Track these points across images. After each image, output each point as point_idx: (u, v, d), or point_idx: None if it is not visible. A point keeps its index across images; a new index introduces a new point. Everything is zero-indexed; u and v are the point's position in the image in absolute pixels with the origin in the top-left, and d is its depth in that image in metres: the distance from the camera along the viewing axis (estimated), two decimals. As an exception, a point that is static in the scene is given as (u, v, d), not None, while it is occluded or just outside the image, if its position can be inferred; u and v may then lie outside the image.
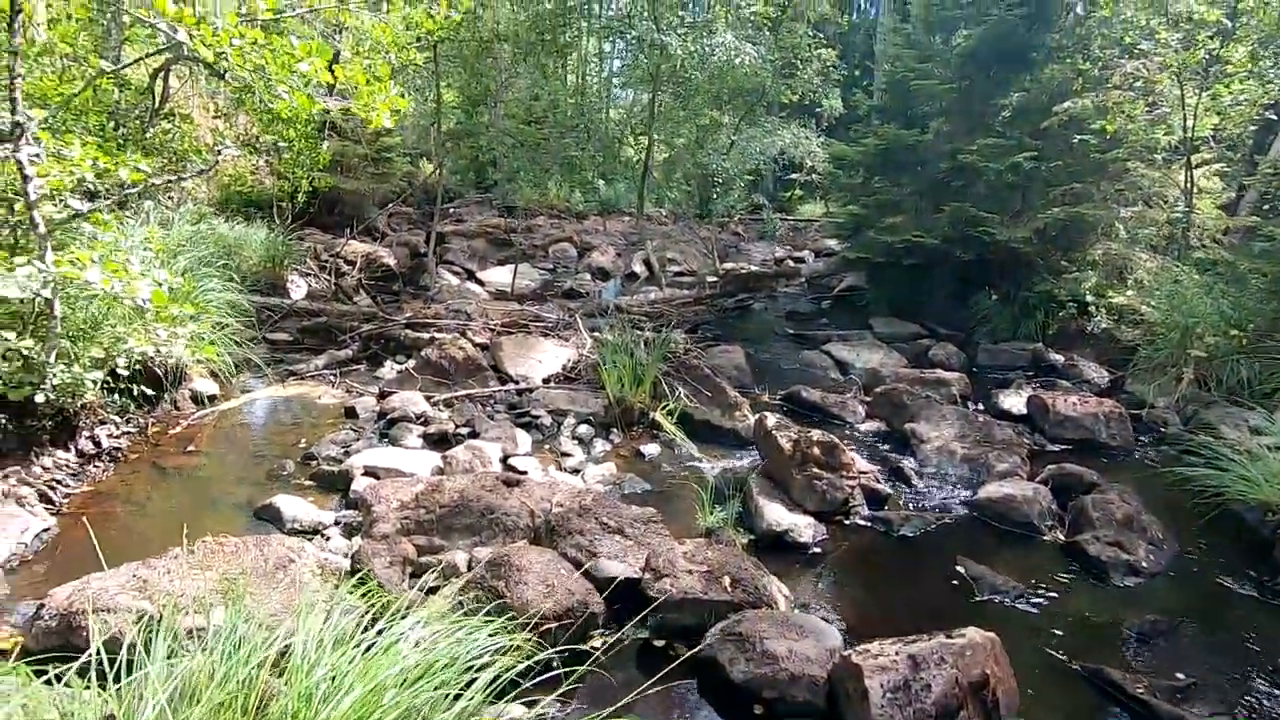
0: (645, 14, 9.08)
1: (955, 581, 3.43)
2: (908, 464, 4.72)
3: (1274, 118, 8.41)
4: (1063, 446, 5.18)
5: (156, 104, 7.34)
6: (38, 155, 3.53)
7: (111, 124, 6.07)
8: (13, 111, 3.40)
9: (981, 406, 5.90)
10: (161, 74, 7.45)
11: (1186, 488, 4.26)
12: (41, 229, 3.51)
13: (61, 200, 3.78)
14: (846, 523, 3.96)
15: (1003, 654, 2.56)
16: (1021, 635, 3.02)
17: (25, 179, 3.44)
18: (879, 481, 4.36)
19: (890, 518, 3.96)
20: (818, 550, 3.69)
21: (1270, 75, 7.01)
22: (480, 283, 10.09)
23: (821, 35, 10.21)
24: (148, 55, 4.51)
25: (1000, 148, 7.69)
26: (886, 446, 5.17)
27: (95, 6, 4.79)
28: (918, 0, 9.55)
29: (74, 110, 4.55)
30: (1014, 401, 5.83)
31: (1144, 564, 3.55)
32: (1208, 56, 7.07)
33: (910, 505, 4.25)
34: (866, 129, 9.90)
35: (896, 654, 2.39)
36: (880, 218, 8.85)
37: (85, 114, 5.05)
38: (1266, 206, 8.32)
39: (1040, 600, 3.32)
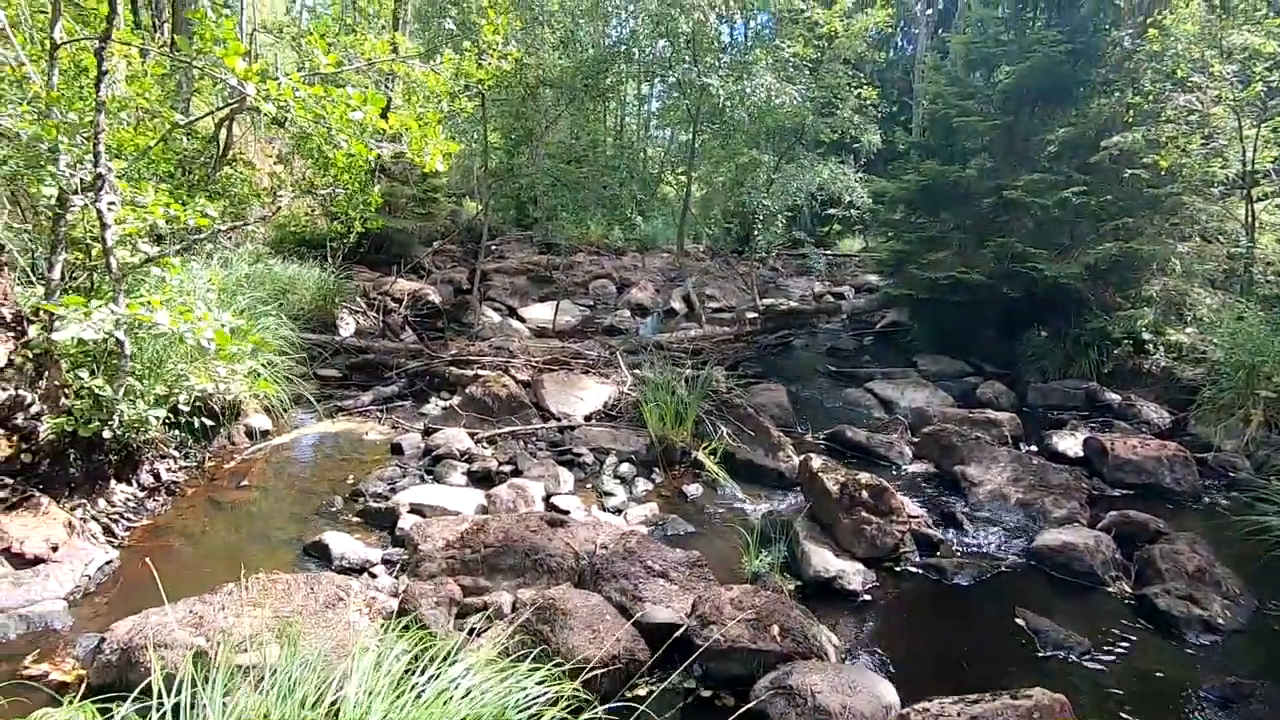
0: (686, 57, 9.26)
1: (1015, 634, 3.29)
2: (959, 508, 4.58)
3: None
4: (1123, 491, 4.97)
5: (221, 151, 7.75)
6: (114, 203, 3.74)
7: (180, 170, 6.42)
8: (95, 163, 3.61)
9: (1034, 448, 5.72)
10: (226, 123, 7.88)
11: (1262, 538, 4.03)
12: (116, 273, 3.70)
13: (134, 245, 3.98)
14: (897, 569, 3.84)
15: (1072, 718, 2.42)
16: (1090, 696, 2.86)
17: (104, 226, 3.64)
18: (930, 526, 4.23)
19: (943, 565, 3.82)
20: (868, 598, 3.58)
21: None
22: (522, 319, 10.25)
23: (860, 73, 10.27)
24: (218, 110, 4.76)
25: (1047, 183, 7.58)
26: (936, 489, 5.02)
27: (170, 64, 5.11)
28: (956, 38, 9.57)
29: (148, 159, 4.83)
30: (1069, 443, 5.63)
31: (1220, 620, 3.35)
32: (1265, 89, 6.89)
33: (964, 552, 4.10)
34: (906, 165, 9.86)
35: (959, 714, 2.29)
36: (923, 253, 8.77)
37: (157, 162, 5.35)
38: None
39: (1108, 658, 3.15)
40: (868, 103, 9.78)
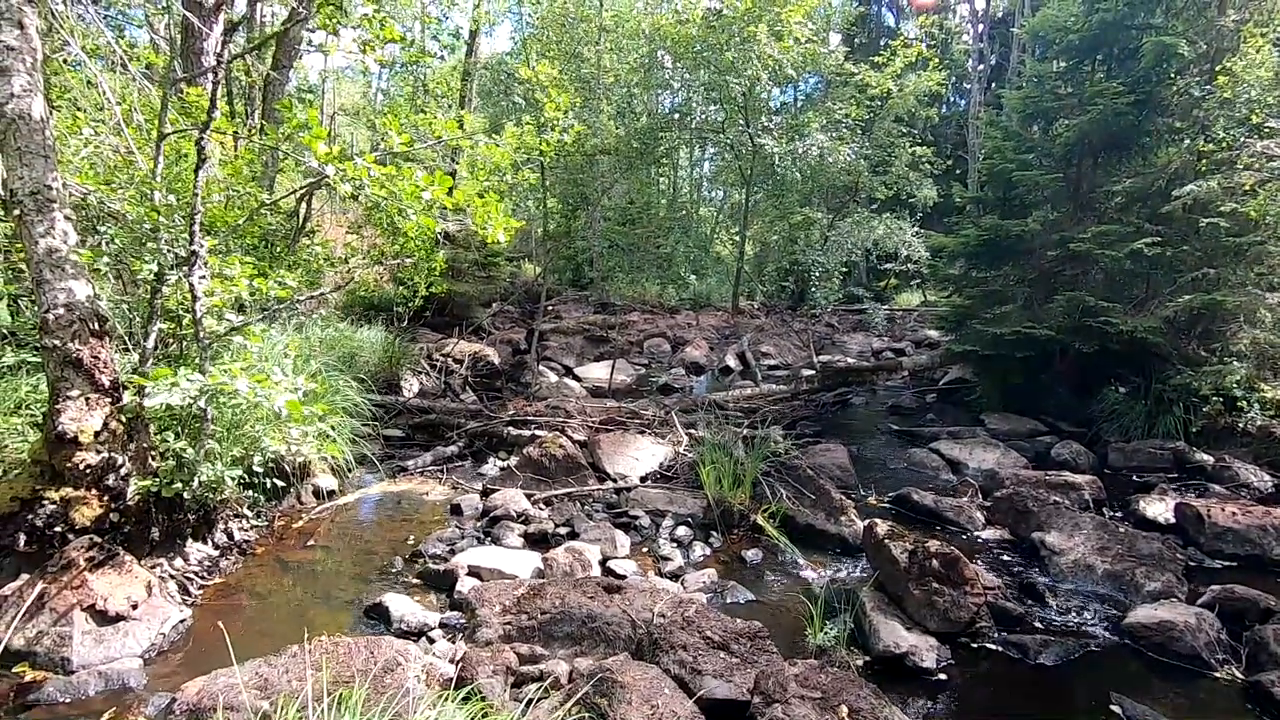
0: (740, 120, 9.52)
1: (1110, 723, 3.01)
2: (1040, 579, 4.29)
3: None
4: (1224, 563, 4.58)
5: (300, 224, 8.28)
6: (205, 277, 4.03)
7: (263, 244, 6.88)
8: (191, 241, 3.92)
9: (1120, 514, 5.35)
10: (305, 198, 8.44)
11: (1393, 619, 3.62)
12: (204, 341, 3.96)
13: (221, 315, 4.26)
14: (974, 645, 3.60)
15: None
16: (1202, 798, 2.58)
17: (194, 298, 3.92)
18: (1008, 599, 3.98)
19: (1025, 642, 3.57)
20: (943, 677, 3.35)
21: None
22: (578, 379, 10.38)
23: (912, 129, 10.33)
24: (301, 189, 5.12)
25: (1116, 234, 7.32)
26: (1012, 557, 4.74)
27: (259, 149, 5.57)
28: (1011, 94, 9.52)
29: (236, 235, 5.21)
30: (1159, 509, 5.25)
31: (1351, 714, 3.00)
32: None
33: (1047, 627, 3.82)
34: (965, 219, 9.73)
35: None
36: (986, 308, 8.53)
37: (244, 237, 5.76)
38: None
39: (1220, 753, 2.84)
40: (922, 159, 9.80)
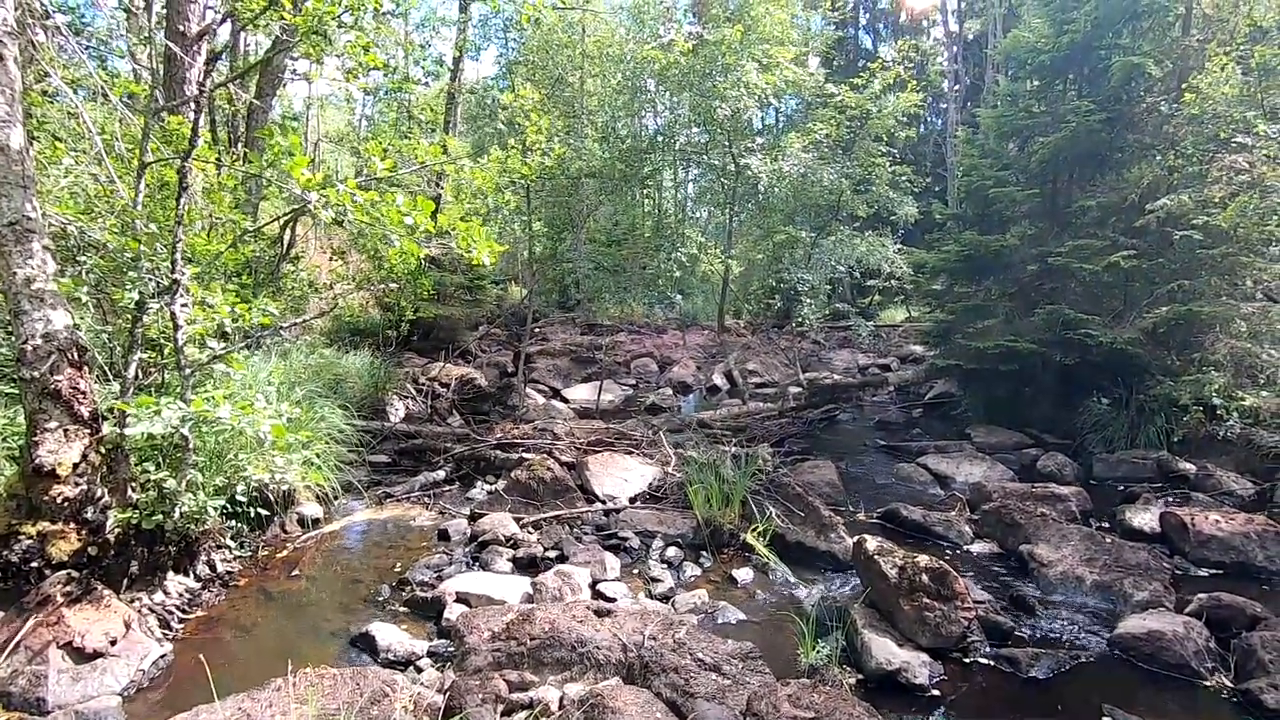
0: (723, 142, 9.65)
1: (1104, 736, 3.00)
2: (1029, 591, 4.30)
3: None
4: (1210, 571, 4.61)
5: (284, 251, 8.26)
6: (186, 305, 4.01)
7: (246, 271, 6.85)
8: (172, 269, 3.89)
9: (1106, 524, 5.39)
10: (289, 225, 8.44)
11: (1377, 623, 3.65)
12: (186, 370, 3.92)
13: (203, 343, 4.23)
14: (966, 660, 3.59)
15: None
16: (1197, 809, 2.57)
17: (176, 327, 3.89)
18: (999, 612, 3.98)
19: (1017, 656, 3.56)
20: (936, 693, 3.33)
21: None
22: (565, 400, 10.36)
23: (892, 149, 10.51)
24: (283, 216, 5.12)
25: (1093, 248, 7.47)
26: (1001, 570, 4.75)
27: (242, 176, 5.56)
28: (986, 113, 9.73)
29: (220, 264, 5.18)
30: (1145, 518, 5.29)
31: (1340, 720, 3.01)
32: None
33: (1038, 640, 3.82)
34: (946, 236, 9.88)
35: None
36: (969, 323, 8.63)
37: (226, 264, 5.73)
38: None
39: (1213, 763, 2.84)
40: (902, 177, 9.96)
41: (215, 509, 4.14)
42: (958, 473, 6.73)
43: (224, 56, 9.37)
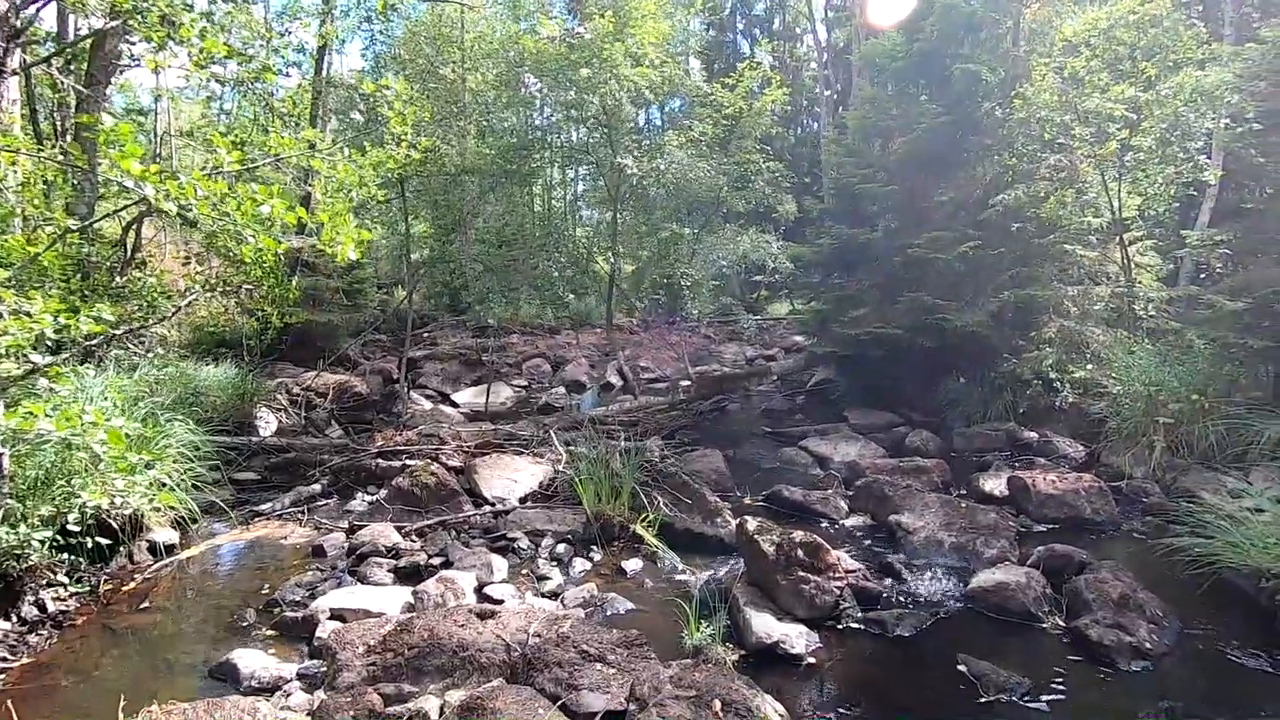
0: (603, 141, 9.68)
1: (959, 681, 3.26)
2: (896, 558, 4.60)
3: (1195, 194, 9.04)
4: (1048, 526, 5.13)
5: (128, 254, 7.50)
6: (-2, 314, 3.54)
7: (79, 276, 6.16)
8: (-27, 274, 3.43)
9: (964, 491, 5.86)
10: (135, 225, 7.67)
11: (1177, 558, 4.19)
12: (-4, 387, 3.46)
13: (21, 356, 3.74)
14: (840, 627, 3.79)
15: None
16: (1034, 738, 2.84)
17: (-19, 338, 3.42)
18: (868, 579, 4.22)
19: (884, 618, 3.80)
20: (812, 660, 3.50)
21: (1179, 159, 7.58)
22: (454, 404, 10.07)
23: (770, 149, 10.94)
24: (117, 211, 4.64)
25: (945, 240, 8.10)
26: (873, 541, 5.06)
27: (63, 169, 4.98)
28: (851, 114, 10.35)
29: (39, 266, 4.62)
30: (995, 484, 5.81)
31: (1148, 645, 3.42)
32: (1120, 146, 7.66)
33: (903, 601, 4.10)
34: (819, 231, 10.41)
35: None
36: (842, 312, 9.13)
37: (50, 268, 5.13)
38: (1203, 276, 8.78)
39: (1050, 696, 3.15)
40: (778, 175, 10.40)
41: (42, 541, 3.68)
42: (835, 453, 7.10)
43: (49, 43, 8.38)
